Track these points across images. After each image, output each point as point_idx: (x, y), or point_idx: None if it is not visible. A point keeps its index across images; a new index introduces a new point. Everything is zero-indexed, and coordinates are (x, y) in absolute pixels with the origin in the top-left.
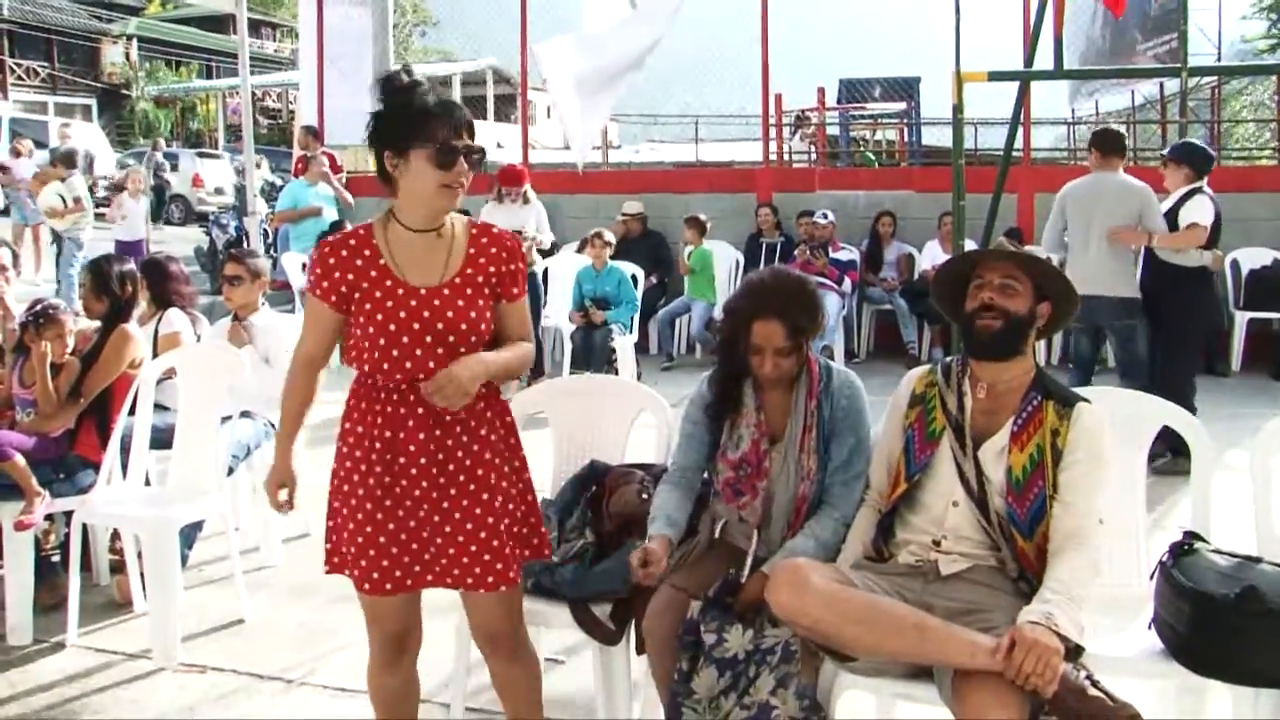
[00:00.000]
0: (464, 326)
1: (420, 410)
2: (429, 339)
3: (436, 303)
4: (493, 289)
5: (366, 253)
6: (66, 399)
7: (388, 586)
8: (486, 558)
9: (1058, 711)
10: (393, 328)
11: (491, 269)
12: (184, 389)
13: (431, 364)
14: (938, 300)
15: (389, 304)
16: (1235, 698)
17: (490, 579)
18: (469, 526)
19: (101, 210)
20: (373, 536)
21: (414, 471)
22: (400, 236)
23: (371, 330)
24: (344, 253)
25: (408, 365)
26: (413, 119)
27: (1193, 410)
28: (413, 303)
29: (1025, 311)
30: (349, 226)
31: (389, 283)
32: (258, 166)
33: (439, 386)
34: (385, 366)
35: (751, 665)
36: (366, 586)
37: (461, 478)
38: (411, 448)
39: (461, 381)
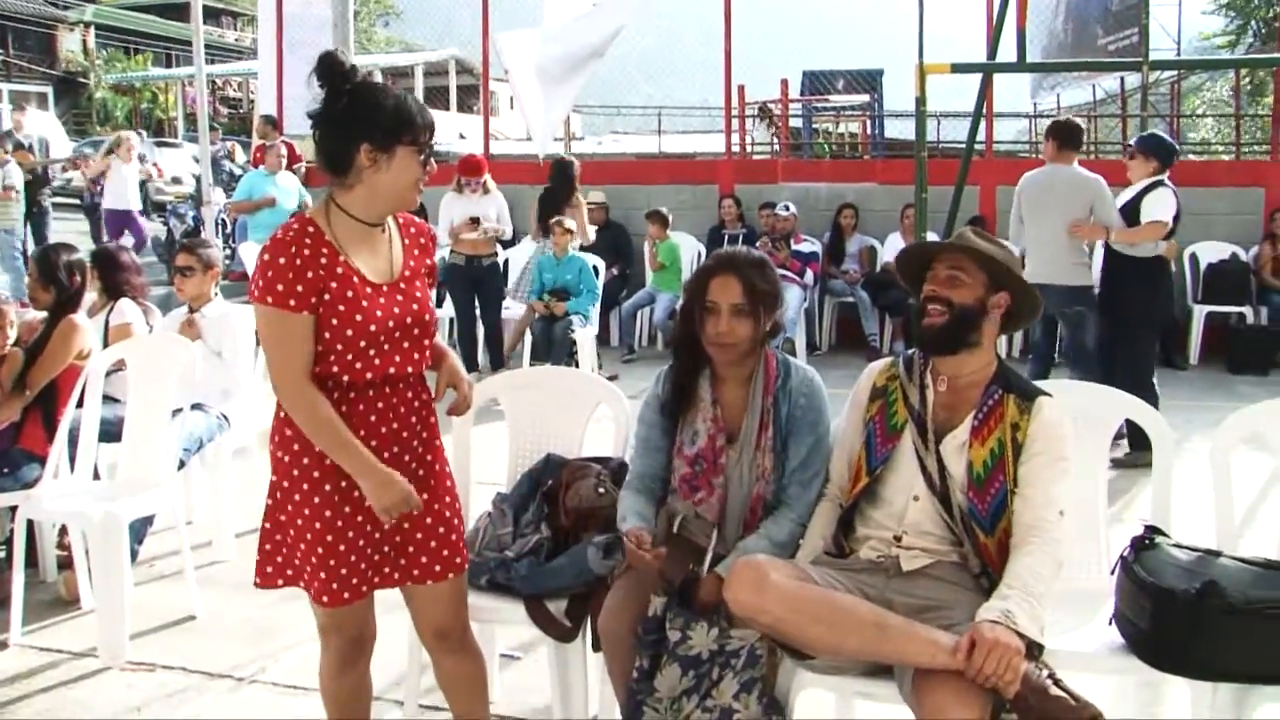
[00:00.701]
0: (427, 318)
1: (380, 405)
2: (398, 334)
3: (399, 298)
4: (426, 278)
5: (325, 251)
6: (10, 391)
7: (346, 595)
8: (441, 549)
9: (1019, 711)
10: (373, 328)
11: (427, 260)
12: (134, 381)
13: (398, 357)
14: (906, 283)
15: (363, 303)
16: (1194, 692)
17: (439, 568)
18: (426, 520)
19: (60, 199)
20: (333, 546)
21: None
22: (350, 231)
23: (350, 332)
24: (306, 253)
25: (377, 362)
26: (402, 115)
27: (1156, 398)
28: (381, 300)
29: (972, 302)
30: None
31: (356, 280)
32: (230, 156)
33: (467, 396)
34: (359, 365)
35: (715, 667)
36: (326, 599)
37: (415, 467)
38: (374, 443)
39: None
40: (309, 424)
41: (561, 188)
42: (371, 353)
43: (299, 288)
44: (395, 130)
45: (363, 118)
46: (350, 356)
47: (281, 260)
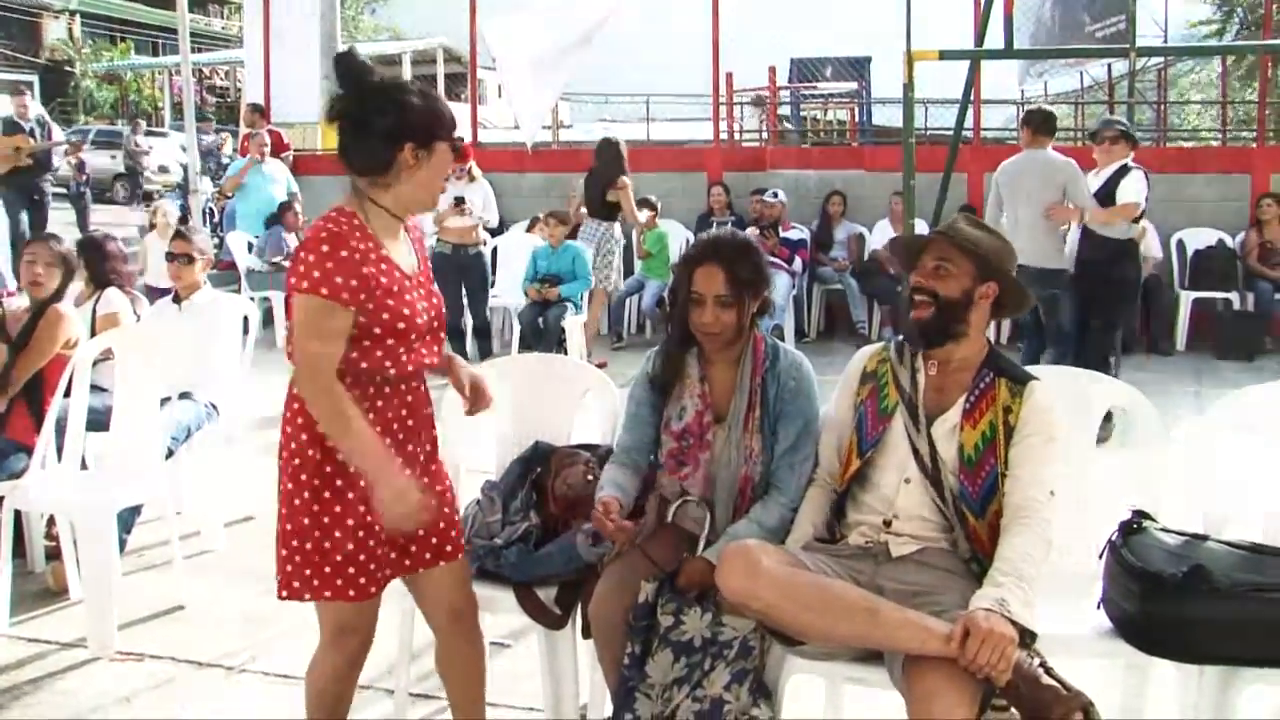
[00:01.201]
0: (445, 311)
1: (409, 399)
2: (422, 327)
3: (422, 290)
4: (430, 273)
5: (371, 243)
6: None
7: (373, 590)
8: (450, 530)
9: (1010, 698)
10: (418, 320)
11: (426, 255)
12: (121, 370)
13: (424, 350)
14: (904, 270)
15: (406, 296)
16: (1181, 675)
17: (449, 548)
18: (431, 503)
19: (57, 190)
20: (363, 541)
21: (399, 460)
22: (385, 225)
23: (401, 325)
24: (361, 247)
25: (405, 355)
26: (434, 111)
27: (1111, 370)
28: (413, 293)
29: (958, 295)
30: (297, 208)
31: (396, 273)
32: (220, 147)
33: (488, 393)
34: (404, 358)
35: (707, 656)
36: (353, 593)
37: (424, 460)
38: (401, 436)
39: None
40: (335, 421)
41: (608, 167)
42: (415, 342)
43: (353, 282)
44: (433, 127)
45: (400, 118)
46: (400, 350)
47: (342, 253)
